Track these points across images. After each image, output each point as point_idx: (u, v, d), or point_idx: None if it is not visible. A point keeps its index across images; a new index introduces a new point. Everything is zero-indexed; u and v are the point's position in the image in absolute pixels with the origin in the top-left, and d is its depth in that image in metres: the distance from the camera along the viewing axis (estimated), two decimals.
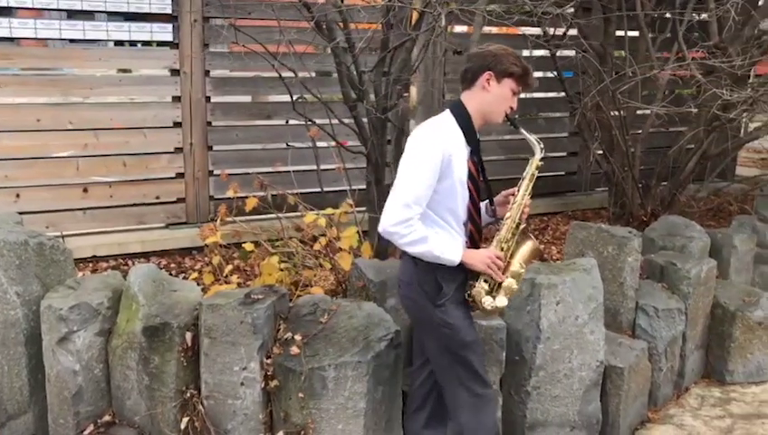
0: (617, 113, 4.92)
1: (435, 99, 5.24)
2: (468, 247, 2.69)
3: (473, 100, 2.64)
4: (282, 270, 3.59)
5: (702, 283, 4.06)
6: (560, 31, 4.93)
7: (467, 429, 2.75)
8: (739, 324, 4.18)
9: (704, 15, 5.03)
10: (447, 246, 2.59)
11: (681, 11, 4.80)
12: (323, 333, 2.96)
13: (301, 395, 2.85)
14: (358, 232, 3.70)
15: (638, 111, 5.06)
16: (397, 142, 4.51)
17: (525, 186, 2.74)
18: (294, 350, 2.89)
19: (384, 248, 3.97)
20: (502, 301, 2.67)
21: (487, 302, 2.65)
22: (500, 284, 2.67)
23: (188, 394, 2.99)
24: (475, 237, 2.73)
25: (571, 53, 5.36)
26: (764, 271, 4.79)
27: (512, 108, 2.67)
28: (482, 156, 2.71)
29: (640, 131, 5.00)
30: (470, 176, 2.64)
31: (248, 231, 3.97)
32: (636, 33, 5.17)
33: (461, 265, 2.61)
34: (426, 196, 2.54)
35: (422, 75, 5.11)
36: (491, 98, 2.62)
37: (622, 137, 4.92)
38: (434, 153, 2.52)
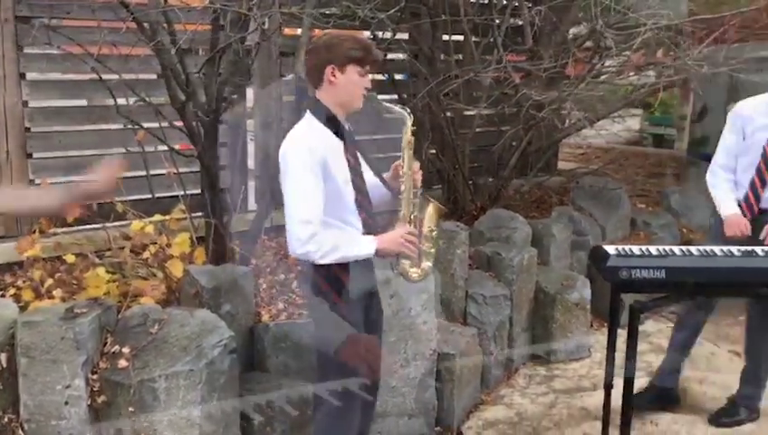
0: (445, 114, 5.15)
1: (271, 100, 5.23)
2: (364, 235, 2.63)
3: (326, 95, 2.58)
4: (110, 281, 3.44)
5: (524, 270, 4.38)
6: (390, 34, 5.09)
7: (341, 418, 2.71)
8: (559, 307, 4.54)
9: (519, 21, 5.38)
10: (358, 243, 2.55)
11: (500, 17, 5.11)
12: (154, 344, 2.88)
13: (131, 409, 2.76)
14: (191, 238, 3.62)
15: (467, 112, 5.33)
16: (232, 145, 4.46)
17: (408, 155, 2.71)
18: (123, 363, 2.79)
19: (221, 254, 3.92)
20: (426, 265, 2.73)
21: (413, 273, 2.71)
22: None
23: (6, 419, 2.80)
24: (369, 223, 2.66)
25: (404, 56, 5.54)
26: (581, 256, 5.19)
27: (367, 88, 2.62)
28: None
29: (468, 131, 5.28)
30: (350, 168, 2.59)
31: (73, 242, 3.76)
32: (462, 38, 5.44)
33: (364, 259, 2.58)
34: (320, 204, 2.47)
35: (257, 77, 5.08)
36: (341, 90, 2.56)
37: (451, 137, 5.17)
38: (307, 160, 2.45)
